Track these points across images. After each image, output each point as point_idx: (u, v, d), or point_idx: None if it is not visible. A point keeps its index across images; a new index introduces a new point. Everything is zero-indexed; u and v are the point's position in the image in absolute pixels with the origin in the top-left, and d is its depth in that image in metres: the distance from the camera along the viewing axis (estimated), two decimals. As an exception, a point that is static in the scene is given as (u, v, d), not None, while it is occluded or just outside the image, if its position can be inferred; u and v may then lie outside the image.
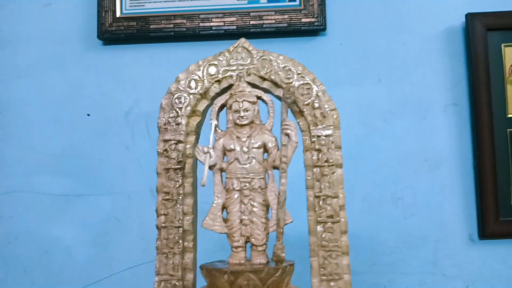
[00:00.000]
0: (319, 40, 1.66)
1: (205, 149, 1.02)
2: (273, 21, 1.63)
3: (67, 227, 1.64)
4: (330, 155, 1.05)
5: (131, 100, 1.66)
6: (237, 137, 1.05)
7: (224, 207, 1.06)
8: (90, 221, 1.64)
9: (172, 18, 1.65)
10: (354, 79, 1.63)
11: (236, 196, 1.05)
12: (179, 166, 1.05)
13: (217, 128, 1.08)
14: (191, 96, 1.08)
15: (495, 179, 1.55)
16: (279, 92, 1.07)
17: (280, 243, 1.00)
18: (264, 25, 1.63)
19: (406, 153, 1.61)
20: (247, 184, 1.04)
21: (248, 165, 1.04)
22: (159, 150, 1.06)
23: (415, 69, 1.63)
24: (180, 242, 1.04)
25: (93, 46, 1.69)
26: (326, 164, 1.05)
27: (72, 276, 1.63)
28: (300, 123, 1.07)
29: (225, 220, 1.05)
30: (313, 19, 1.62)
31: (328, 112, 1.06)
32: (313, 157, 1.05)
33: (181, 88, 1.08)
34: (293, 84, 1.07)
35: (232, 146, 1.05)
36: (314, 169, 1.05)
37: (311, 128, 1.06)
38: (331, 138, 1.05)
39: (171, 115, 1.07)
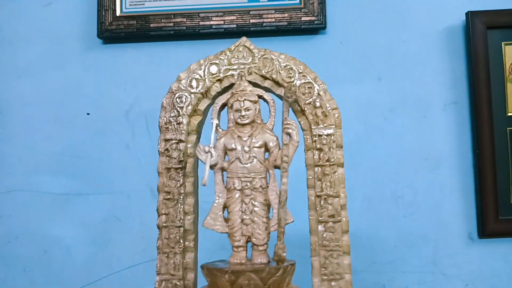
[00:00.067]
0: (319, 38, 1.66)
1: (206, 149, 1.02)
2: (273, 20, 1.63)
3: (67, 226, 1.64)
4: (331, 155, 1.05)
5: (131, 99, 1.66)
6: (238, 136, 1.05)
7: (225, 207, 1.06)
8: (90, 220, 1.64)
9: (172, 17, 1.65)
10: (354, 78, 1.64)
11: (237, 195, 1.04)
12: (180, 166, 1.05)
13: (218, 128, 1.08)
14: (192, 95, 1.07)
15: (495, 177, 1.55)
16: (281, 91, 1.07)
17: (281, 242, 1.00)
18: (264, 24, 1.62)
19: (406, 151, 1.61)
20: (248, 184, 1.04)
21: (249, 164, 1.04)
22: (160, 149, 1.06)
23: (415, 67, 1.63)
24: (181, 241, 1.04)
25: (93, 45, 1.68)
26: (327, 163, 1.05)
27: (72, 275, 1.63)
28: (302, 122, 1.07)
29: (226, 220, 1.05)
30: (313, 18, 1.62)
31: (330, 111, 1.06)
32: (314, 157, 1.05)
33: (182, 87, 1.08)
34: (294, 83, 1.06)
35: (233, 146, 1.05)
36: (315, 169, 1.05)
37: (312, 127, 1.06)
38: (332, 137, 1.05)
39: (172, 114, 1.07)
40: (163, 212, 1.05)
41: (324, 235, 1.04)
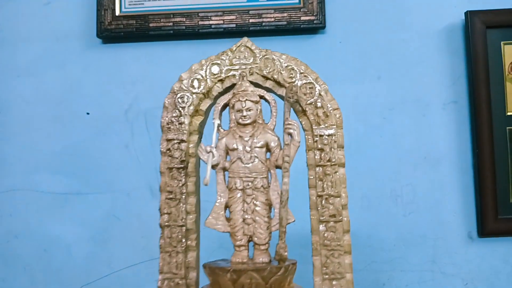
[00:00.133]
0: (318, 38, 1.66)
1: (208, 149, 1.02)
2: (273, 19, 1.63)
3: (67, 225, 1.65)
4: (332, 155, 1.05)
5: (130, 99, 1.67)
6: (240, 136, 1.05)
7: (226, 206, 1.06)
8: (90, 219, 1.64)
9: (172, 16, 1.65)
10: (354, 77, 1.64)
11: (238, 195, 1.05)
12: (182, 165, 1.05)
13: (219, 128, 1.08)
14: (194, 96, 1.08)
15: (494, 177, 1.56)
16: (282, 91, 1.07)
17: (282, 242, 1.00)
18: (264, 23, 1.63)
19: (405, 150, 1.61)
20: (250, 183, 1.04)
21: (250, 164, 1.05)
22: (162, 149, 1.06)
23: (414, 66, 1.63)
24: (183, 241, 1.04)
25: (92, 45, 1.69)
26: (328, 163, 1.05)
27: (72, 274, 1.64)
28: (303, 123, 1.07)
29: (228, 219, 1.06)
30: (312, 17, 1.62)
31: (331, 111, 1.06)
32: (316, 157, 1.05)
33: (184, 88, 1.08)
34: (295, 83, 1.07)
35: (234, 146, 1.05)
36: (317, 169, 1.05)
37: (313, 127, 1.06)
38: (333, 138, 1.05)
39: (174, 115, 1.07)
40: (166, 212, 1.05)
41: (325, 234, 1.04)
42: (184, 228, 1.05)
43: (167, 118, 1.07)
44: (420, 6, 1.65)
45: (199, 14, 1.64)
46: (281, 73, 1.07)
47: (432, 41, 1.64)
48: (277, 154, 1.05)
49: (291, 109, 1.05)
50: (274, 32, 1.64)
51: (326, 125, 1.06)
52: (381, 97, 1.63)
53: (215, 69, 1.08)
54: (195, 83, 1.08)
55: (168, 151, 1.06)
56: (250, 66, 1.08)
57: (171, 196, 1.05)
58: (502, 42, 1.59)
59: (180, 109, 1.07)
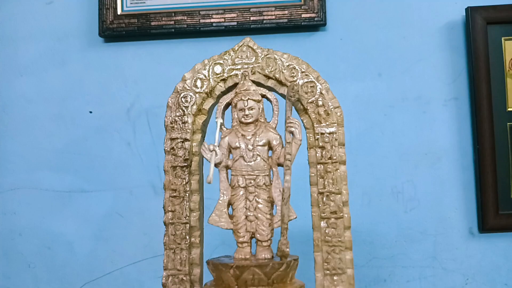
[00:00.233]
0: (319, 35, 1.66)
1: (211, 147, 1.03)
2: (274, 17, 1.63)
3: (69, 223, 1.65)
4: (333, 152, 1.06)
5: (132, 97, 1.67)
6: (242, 135, 1.06)
7: (229, 204, 1.07)
8: (93, 216, 1.65)
9: (173, 14, 1.65)
10: (355, 74, 1.64)
11: (241, 193, 1.06)
12: (185, 164, 1.07)
13: (222, 126, 1.09)
14: (197, 95, 1.09)
15: (495, 172, 1.56)
16: (284, 90, 1.08)
17: (284, 238, 1.01)
18: (265, 21, 1.63)
19: (406, 147, 1.61)
20: (252, 181, 1.05)
21: (253, 162, 1.06)
22: (166, 148, 1.08)
23: (415, 63, 1.63)
24: (187, 238, 1.06)
25: (94, 44, 1.69)
26: (329, 161, 1.06)
27: (75, 272, 1.64)
28: (304, 121, 1.08)
29: (231, 217, 1.07)
30: (313, 15, 1.62)
31: (332, 109, 1.07)
32: (317, 154, 1.06)
33: (187, 87, 1.09)
34: (297, 82, 1.07)
35: (237, 144, 1.06)
36: (318, 166, 1.06)
37: (315, 125, 1.07)
38: (334, 136, 1.06)
39: (177, 114, 1.08)
40: (170, 209, 1.06)
41: (326, 231, 1.05)
42: (188, 225, 1.06)
43: (170, 117, 1.08)
44: (420, 3, 1.65)
45: (200, 12, 1.65)
46: (282, 72, 1.08)
47: (432, 37, 1.64)
48: (279, 152, 1.06)
49: (293, 107, 1.06)
50: (275, 30, 1.65)
51: (327, 123, 1.07)
52: (382, 94, 1.63)
53: (218, 69, 1.09)
54: (198, 83, 1.09)
55: (172, 150, 1.07)
56: (252, 66, 1.09)
57: (175, 194, 1.06)
58: (503, 38, 1.59)
59: (184, 108, 1.08)
